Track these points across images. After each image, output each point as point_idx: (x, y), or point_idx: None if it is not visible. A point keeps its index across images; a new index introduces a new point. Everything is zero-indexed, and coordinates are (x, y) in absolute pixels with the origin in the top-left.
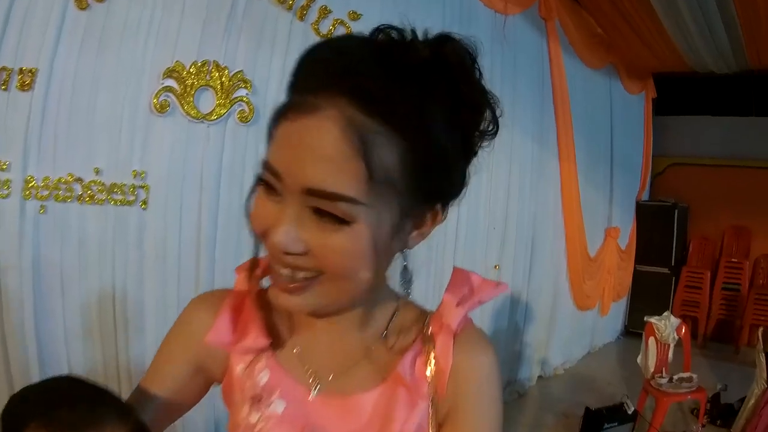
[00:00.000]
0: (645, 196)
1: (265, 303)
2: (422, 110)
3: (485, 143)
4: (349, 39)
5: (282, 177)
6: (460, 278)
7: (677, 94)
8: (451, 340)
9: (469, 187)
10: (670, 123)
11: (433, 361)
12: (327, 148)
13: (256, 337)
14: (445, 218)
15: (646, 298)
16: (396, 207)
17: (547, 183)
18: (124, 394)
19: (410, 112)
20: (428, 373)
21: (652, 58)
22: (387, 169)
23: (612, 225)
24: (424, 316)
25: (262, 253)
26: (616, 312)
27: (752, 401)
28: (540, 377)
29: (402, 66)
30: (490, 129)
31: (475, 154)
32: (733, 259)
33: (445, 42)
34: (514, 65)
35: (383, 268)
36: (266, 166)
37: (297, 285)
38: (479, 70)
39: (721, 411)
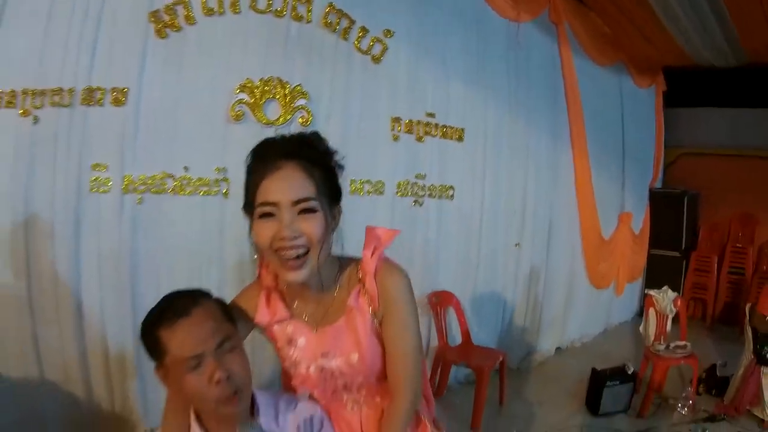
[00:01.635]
0: (658, 185)
1: (280, 291)
2: (327, 159)
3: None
4: (283, 136)
5: (278, 202)
6: (371, 236)
7: (687, 87)
8: (372, 278)
9: (491, 176)
10: (681, 115)
11: (366, 293)
12: (297, 179)
13: (282, 313)
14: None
15: (659, 280)
16: (327, 205)
17: (561, 173)
18: None
19: (323, 161)
20: (366, 300)
21: (655, 53)
22: (320, 185)
23: (625, 211)
24: (357, 265)
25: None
26: (632, 293)
27: (741, 371)
28: (558, 349)
29: (312, 144)
30: (341, 167)
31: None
32: (738, 245)
33: (312, 135)
34: (528, 68)
35: (330, 242)
36: (264, 204)
37: (299, 261)
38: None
39: (717, 382)
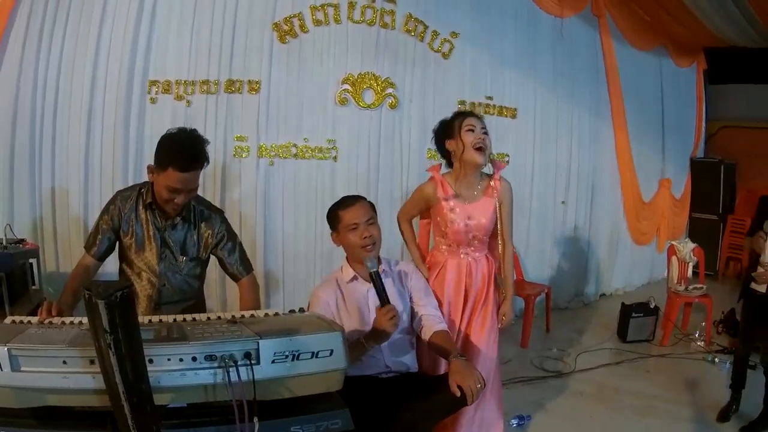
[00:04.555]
0: (701, 154)
1: (449, 180)
2: None
3: None
4: (463, 111)
5: (475, 126)
6: (496, 165)
7: (729, 66)
8: (499, 183)
9: (540, 146)
10: (722, 91)
11: (495, 188)
12: (480, 122)
13: (450, 191)
14: None
15: (700, 240)
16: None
17: (603, 144)
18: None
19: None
20: (493, 193)
21: (690, 35)
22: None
23: (665, 177)
24: (490, 177)
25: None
26: None
27: None
28: (603, 294)
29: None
30: None
31: None
32: None
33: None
34: (571, 55)
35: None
36: (470, 125)
37: (484, 152)
38: None
39: (734, 324)
